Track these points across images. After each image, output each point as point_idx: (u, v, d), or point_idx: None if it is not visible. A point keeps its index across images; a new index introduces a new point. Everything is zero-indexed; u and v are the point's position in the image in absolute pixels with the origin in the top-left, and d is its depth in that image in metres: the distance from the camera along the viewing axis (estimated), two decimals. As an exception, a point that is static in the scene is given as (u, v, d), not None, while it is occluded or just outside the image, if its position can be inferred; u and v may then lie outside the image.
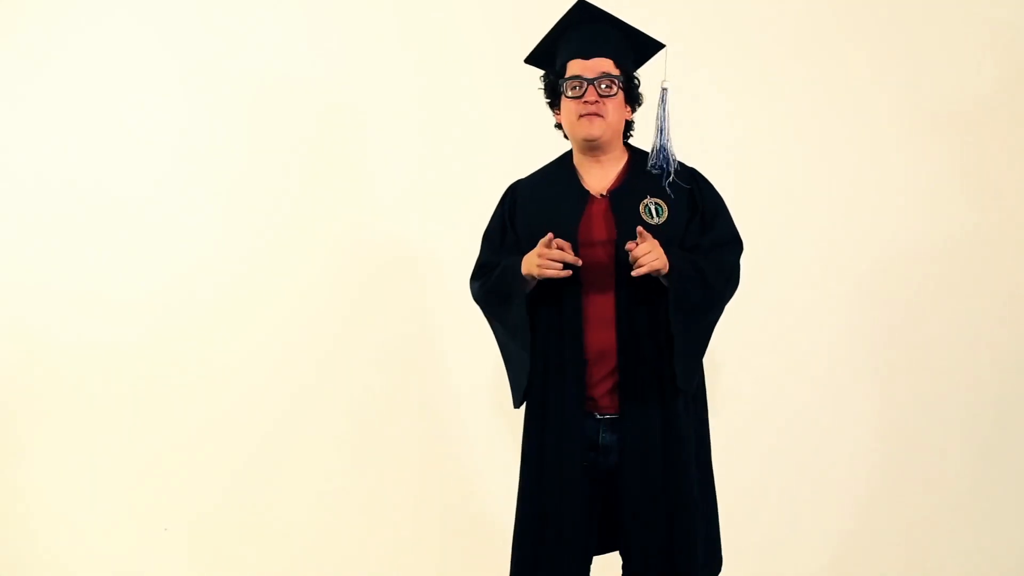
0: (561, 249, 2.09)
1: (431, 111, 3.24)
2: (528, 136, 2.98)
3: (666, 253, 2.08)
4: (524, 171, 2.37)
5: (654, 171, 2.21)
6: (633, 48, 2.22)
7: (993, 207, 3.18)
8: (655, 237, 2.10)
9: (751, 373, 3.24)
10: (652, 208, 2.16)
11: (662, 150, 2.19)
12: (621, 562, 2.32)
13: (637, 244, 2.05)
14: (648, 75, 2.26)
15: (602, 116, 2.15)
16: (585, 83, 2.14)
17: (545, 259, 2.09)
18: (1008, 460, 3.19)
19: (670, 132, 2.19)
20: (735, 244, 2.26)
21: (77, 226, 3.26)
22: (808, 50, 3.21)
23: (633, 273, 2.05)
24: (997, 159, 3.18)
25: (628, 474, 2.17)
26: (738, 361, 3.20)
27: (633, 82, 2.23)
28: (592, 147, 2.20)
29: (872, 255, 3.21)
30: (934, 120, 3.17)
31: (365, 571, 3.27)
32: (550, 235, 2.09)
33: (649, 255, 2.03)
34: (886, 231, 3.21)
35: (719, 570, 2.30)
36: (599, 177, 2.22)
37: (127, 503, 3.28)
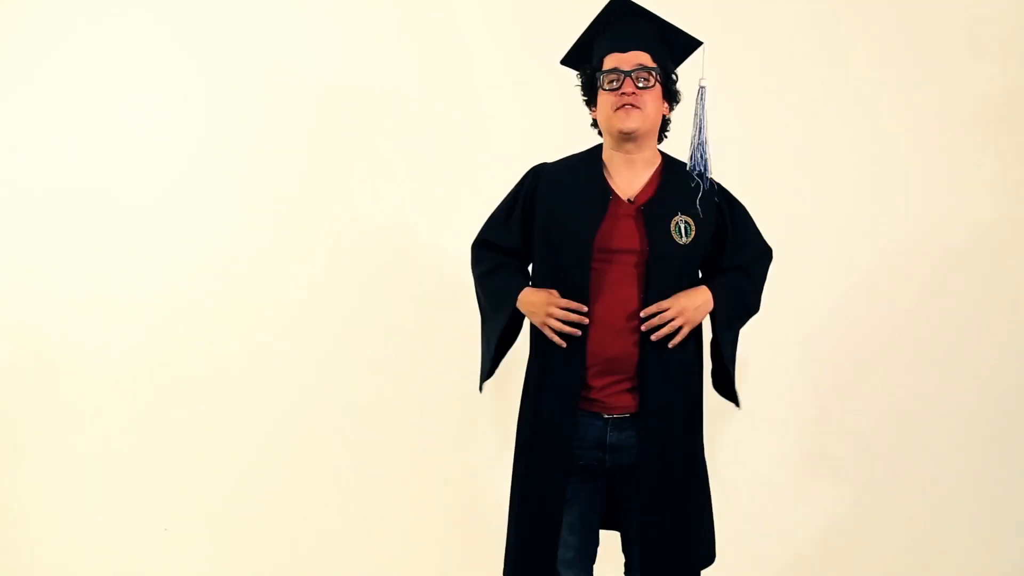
0: (577, 312, 2.12)
1: (434, 110, 3.23)
2: (532, 134, 3.00)
3: (708, 286, 2.19)
4: (533, 164, 2.37)
5: (693, 172, 2.21)
6: (670, 45, 2.21)
7: (997, 207, 3.19)
8: (678, 255, 2.15)
9: (752, 372, 3.25)
10: (682, 227, 2.16)
11: (700, 147, 2.20)
12: (624, 561, 2.34)
13: (655, 314, 2.11)
14: (682, 75, 2.27)
15: (639, 108, 2.12)
16: (622, 75, 2.12)
17: (554, 317, 2.13)
18: (1011, 461, 3.21)
19: (708, 131, 2.20)
20: (767, 257, 2.34)
21: (78, 227, 3.23)
22: (816, 49, 3.21)
23: (671, 344, 2.13)
24: (1003, 160, 3.19)
25: (646, 475, 2.18)
26: (740, 359, 3.21)
27: (671, 77, 2.21)
28: (627, 139, 2.17)
29: (877, 255, 3.22)
30: (938, 120, 3.19)
31: (367, 571, 3.27)
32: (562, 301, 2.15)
33: (677, 321, 2.11)
34: (890, 231, 3.23)
35: (711, 561, 2.32)
36: (628, 179, 2.20)
37: (127, 503, 3.26)
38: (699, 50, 2.23)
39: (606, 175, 2.20)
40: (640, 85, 2.12)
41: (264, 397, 3.28)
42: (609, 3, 2.20)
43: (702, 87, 2.19)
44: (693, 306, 2.15)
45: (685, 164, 2.25)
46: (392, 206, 3.26)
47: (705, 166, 2.21)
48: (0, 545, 3.26)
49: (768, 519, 3.24)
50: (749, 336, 3.16)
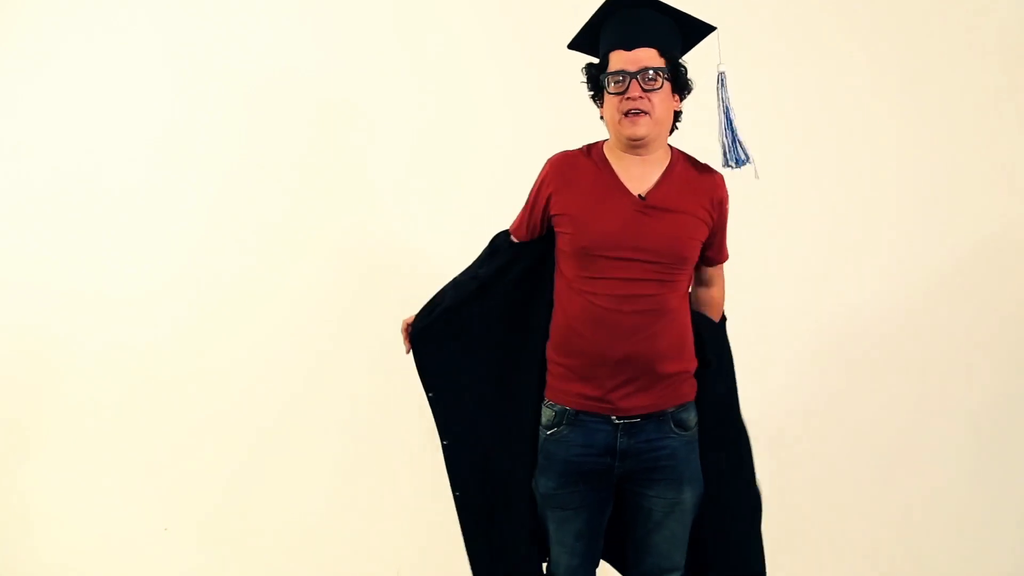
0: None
1: (428, 109, 3.22)
2: (527, 135, 2.97)
3: None
4: (523, 169, 2.33)
5: (730, 167, 2.15)
6: (680, 33, 2.10)
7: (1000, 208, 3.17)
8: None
9: (751, 373, 3.23)
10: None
11: (731, 137, 2.11)
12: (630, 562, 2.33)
13: None
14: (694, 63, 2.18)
15: (647, 113, 2.04)
16: (627, 78, 2.02)
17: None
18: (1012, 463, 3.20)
19: (736, 117, 2.10)
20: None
21: (73, 225, 3.22)
22: (820, 49, 3.19)
23: None
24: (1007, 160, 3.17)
25: (666, 485, 2.19)
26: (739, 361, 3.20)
27: (680, 70, 2.10)
28: (636, 145, 2.10)
29: (876, 257, 3.21)
30: (941, 121, 3.16)
31: (366, 569, 3.27)
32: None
33: None
34: (891, 233, 3.22)
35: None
36: (639, 176, 2.12)
37: (127, 503, 3.26)
38: (714, 35, 2.12)
39: (617, 171, 2.14)
40: (646, 88, 2.02)
41: (262, 396, 3.28)
42: None
43: (721, 73, 2.10)
44: None
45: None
46: (387, 205, 3.25)
47: (742, 156, 2.12)
48: (0, 545, 3.27)
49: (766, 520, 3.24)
50: (749, 337, 3.17)
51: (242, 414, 3.27)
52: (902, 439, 3.24)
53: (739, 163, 2.13)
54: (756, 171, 2.13)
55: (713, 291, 2.29)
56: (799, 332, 3.24)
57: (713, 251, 2.22)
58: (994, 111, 3.15)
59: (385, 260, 3.23)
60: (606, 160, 2.15)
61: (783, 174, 3.21)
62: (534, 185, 2.23)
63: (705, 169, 2.18)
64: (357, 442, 3.28)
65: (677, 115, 2.15)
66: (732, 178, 2.20)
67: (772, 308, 3.20)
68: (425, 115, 3.22)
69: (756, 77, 3.16)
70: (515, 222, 2.29)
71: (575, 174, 2.16)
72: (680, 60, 2.11)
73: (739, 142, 2.12)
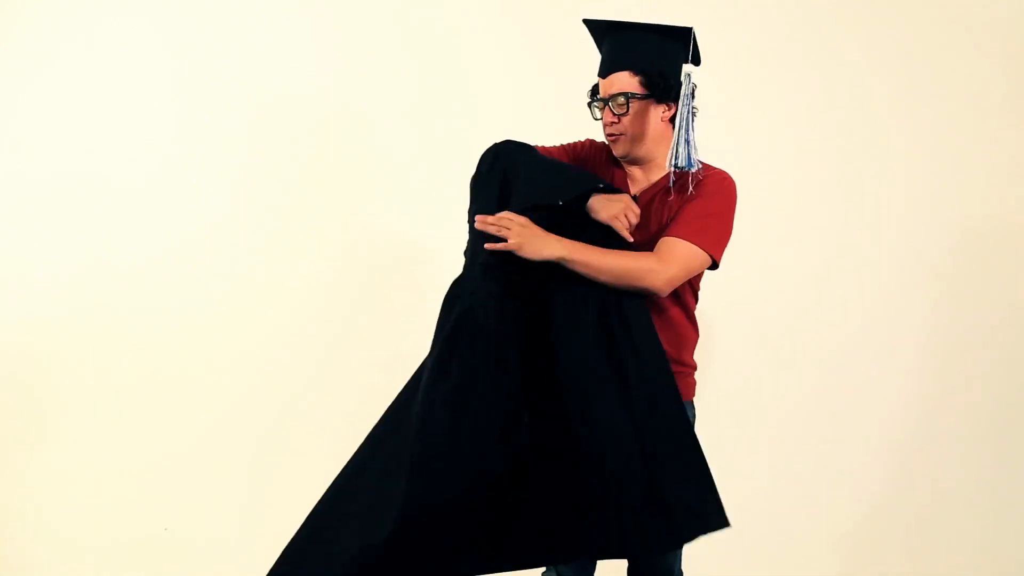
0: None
1: (430, 108, 3.22)
2: (529, 135, 2.96)
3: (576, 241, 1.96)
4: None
5: (673, 169, 2.08)
6: (657, 44, 2.10)
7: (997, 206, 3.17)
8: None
9: (752, 371, 3.23)
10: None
11: (676, 151, 2.07)
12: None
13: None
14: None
15: (623, 133, 2.11)
16: (603, 105, 2.12)
17: (623, 215, 1.98)
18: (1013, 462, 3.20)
19: (693, 126, 2.07)
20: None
21: (73, 225, 3.22)
22: (820, 49, 3.19)
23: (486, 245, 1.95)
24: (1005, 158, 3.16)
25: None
26: (737, 358, 3.20)
27: (656, 83, 2.09)
28: (625, 162, 2.18)
29: (875, 255, 3.20)
30: (938, 119, 3.16)
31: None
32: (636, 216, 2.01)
33: (507, 234, 1.92)
34: (889, 232, 3.21)
35: None
36: (639, 179, 2.18)
37: (127, 503, 3.26)
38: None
39: (628, 171, 2.20)
40: (617, 112, 2.09)
41: (264, 396, 3.28)
42: (587, 28, 2.16)
43: (687, 75, 2.08)
44: (530, 235, 1.94)
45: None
46: (390, 206, 3.25)
47: (681, 162, 2.06)
48: (0, 545, 3.27)
49: (769, 519, 3.24)
50: (750, 336, 3.18)
51: (243, 414, 3.27)
52: (906, 440, 3.24)
53: (676, 167, 2.08)
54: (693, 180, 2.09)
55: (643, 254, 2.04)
56: (800, 332, 3.24)
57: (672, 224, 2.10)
58: (996, 112, 3.15)
59: (387, 260, 3.23)
60: (619, 160, 2.21)
61: (782, 174, 3.21)
62: (575, 142, 2.26)
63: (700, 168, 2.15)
64: (359, 442, 3.27)
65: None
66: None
67: (773, 309, 3.20)
68: (427, 114, 3.22)
69: (757, 77, 3.17)
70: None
71: (602, 162, 2.23)
72: (657, 72, 2.08)
73: (680, 148, 2.07)
